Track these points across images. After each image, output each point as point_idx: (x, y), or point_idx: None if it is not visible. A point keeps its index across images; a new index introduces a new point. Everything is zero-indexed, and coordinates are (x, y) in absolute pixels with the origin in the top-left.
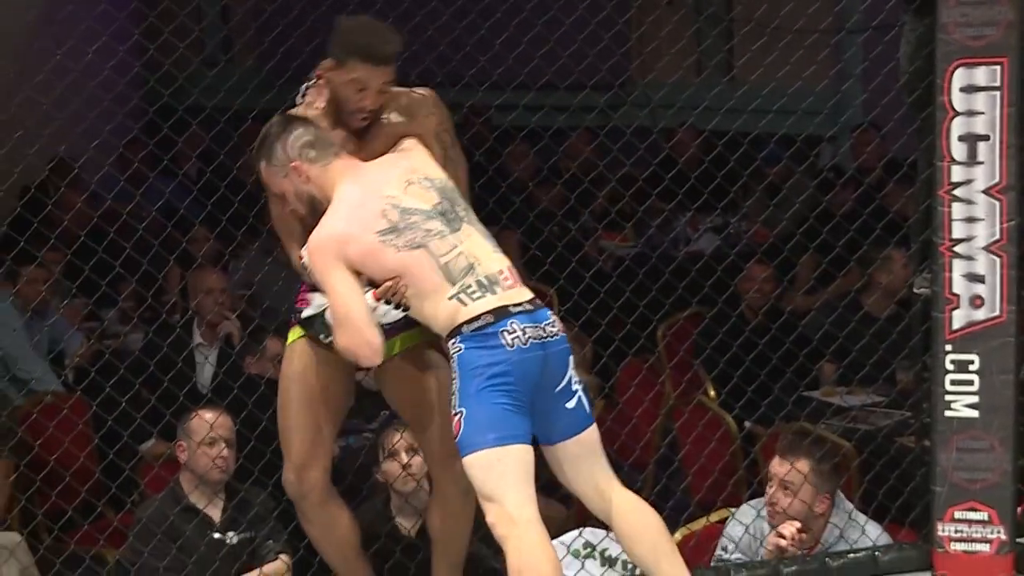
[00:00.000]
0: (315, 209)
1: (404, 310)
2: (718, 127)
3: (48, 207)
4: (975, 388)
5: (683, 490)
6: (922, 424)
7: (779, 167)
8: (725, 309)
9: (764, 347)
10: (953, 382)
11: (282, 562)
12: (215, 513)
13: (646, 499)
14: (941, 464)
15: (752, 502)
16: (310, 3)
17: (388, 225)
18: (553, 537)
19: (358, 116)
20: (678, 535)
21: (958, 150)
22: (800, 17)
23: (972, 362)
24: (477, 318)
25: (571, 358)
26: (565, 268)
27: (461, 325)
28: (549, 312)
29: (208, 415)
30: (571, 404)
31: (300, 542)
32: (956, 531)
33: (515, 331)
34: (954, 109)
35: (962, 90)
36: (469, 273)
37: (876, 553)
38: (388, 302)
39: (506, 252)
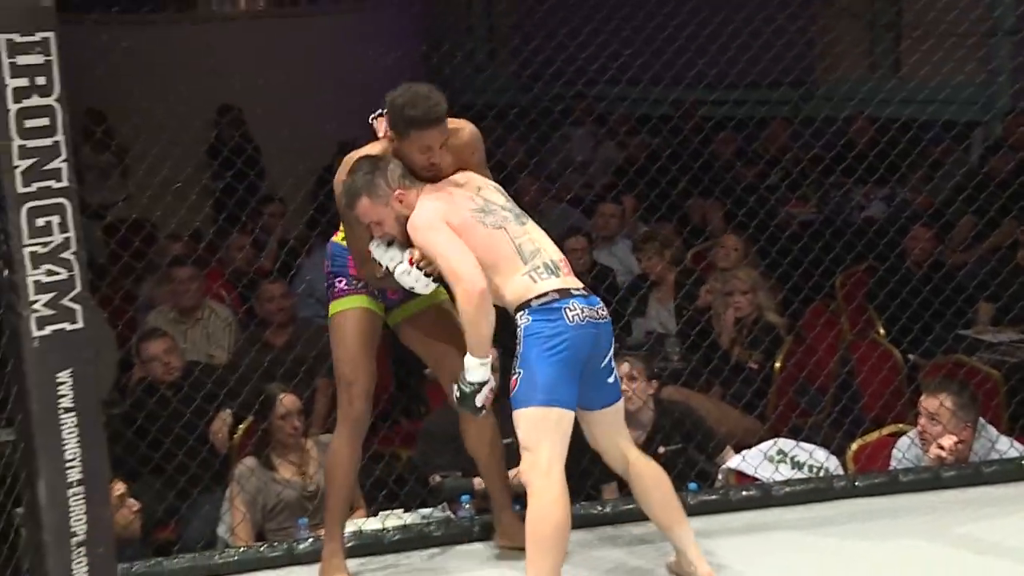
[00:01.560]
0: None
1: (433, 280)
2: (890, 115)
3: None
4: None
5: (859, 409)
6: None
7: (943, 146)
8: (894, 262)
9: (927, 293)
10: None
11: None
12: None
13: (827, 416)
14: None
15: (912, 431)
16: (561, 20)
17: (477, 206)
18: (750, 447)
19: (430, 172)
20: (855, 445)
21: None
22: (959, 22)
23: None
24: (545, 294)
25: (612, 340)
26: (764, 231)
27: (531, 300)
28: (598, 299)
29: None
30: (611, 379)
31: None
32: None
33: (576, 309)
34: None
35: None
36: (537, 256)
37: (1021, 462)
38: (420, 269)
39: (712, 219)
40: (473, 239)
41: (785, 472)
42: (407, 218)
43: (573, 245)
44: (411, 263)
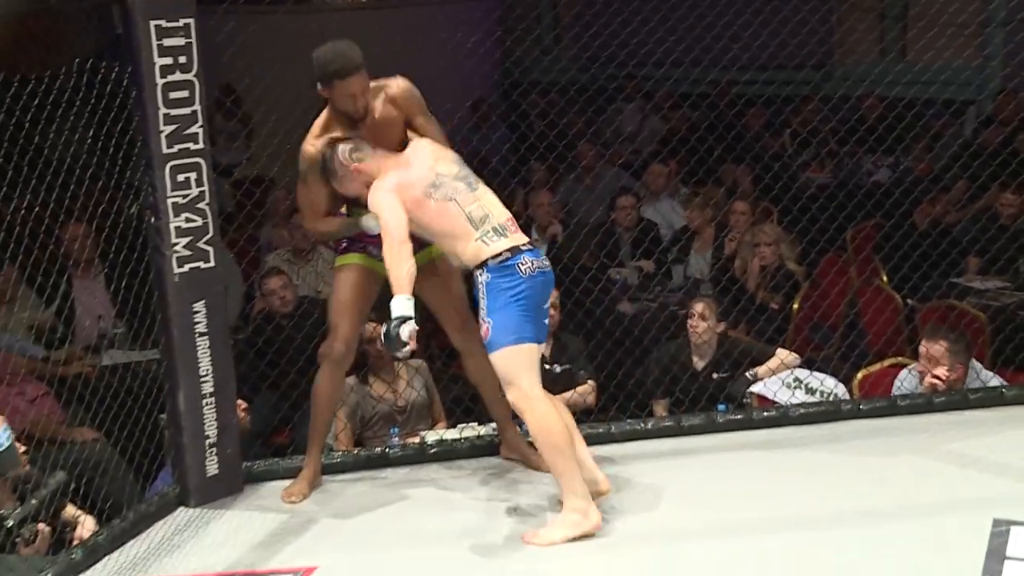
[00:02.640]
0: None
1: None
2: (898, 94)
3: None
4: None
5: (864, 345)
6: None
7: (942, 121)
8: (898, 220)
9: (925, 247)
10: None
11: (589, 385)
12: (546, 351)
13: (837, 349)
14: None
15: (911, 366)
16: (615, 11)
17: (428, 182)
18: (773, 374)
19: (361, 115)
20: (860, 374)
21: None
22: (959, 13)
23: None
24: (499, 254)
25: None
26: (787, 192)
27: (487, 260)
28: (540, 251)
29: None
30: (547, 320)
31: None
32: None
33: (527, 263)
34: None
35: None
36: (486, 221)
37: (1003, 390)
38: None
39: (742, 182)
40: (426, 213)
41: (800, 396)
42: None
43: (623, 203)
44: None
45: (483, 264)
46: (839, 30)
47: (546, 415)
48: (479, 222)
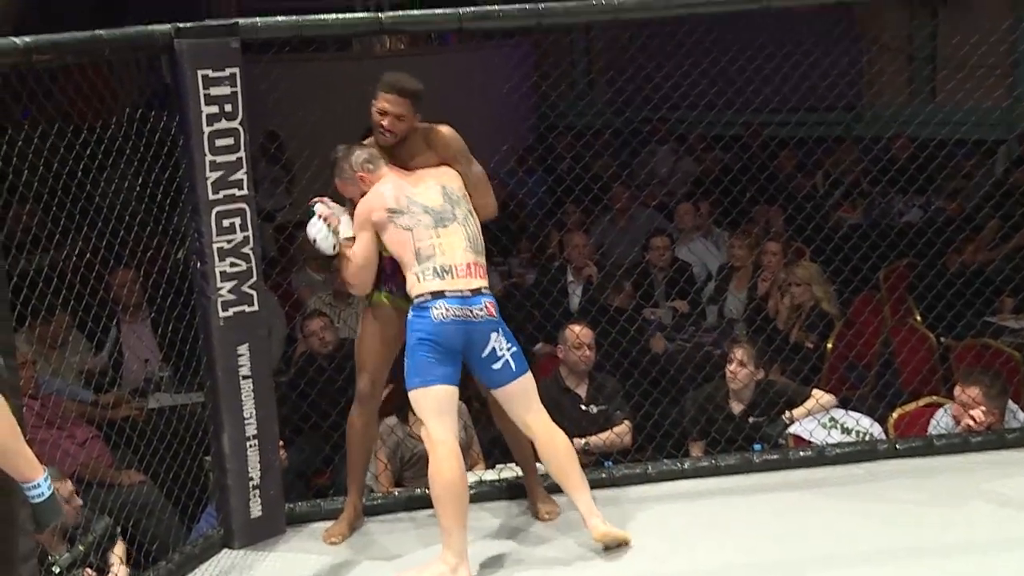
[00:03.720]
0: None
1: (331, 239)
2: (928, 135)
3: None
4: None
5: (899, 384)
6: None
7: (973, 161)
8: (931, 260)
9: (959, 286)
10: None
11: (626, 425)
12: (582, 392)
13: (872, 388)
14: None
15: (947, 406)
16: (648, 55)
17: (396, 207)
18: (809, 415)
19: (381, 133)
20: (895, 414)
21: None
22: (988, 55)
23: None
24: (421, 295)
25: (494, 335)
26: (820, 232)
27: (414, 296)
28: (483, 300)
29: (576, 328)
30: (497, 366)
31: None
32: None
33: (441, 308)
34: None
35: None
36: (431, 260)
37: None
38: (328, 225)
39: (772, 223)
40: (388, 236)
41: (836, 436)
42: None
43: (657, 243)
44: (319, 216)
45: (411, 300)
46: (869, 72)
47: (444, 463)
48: (423, 258)
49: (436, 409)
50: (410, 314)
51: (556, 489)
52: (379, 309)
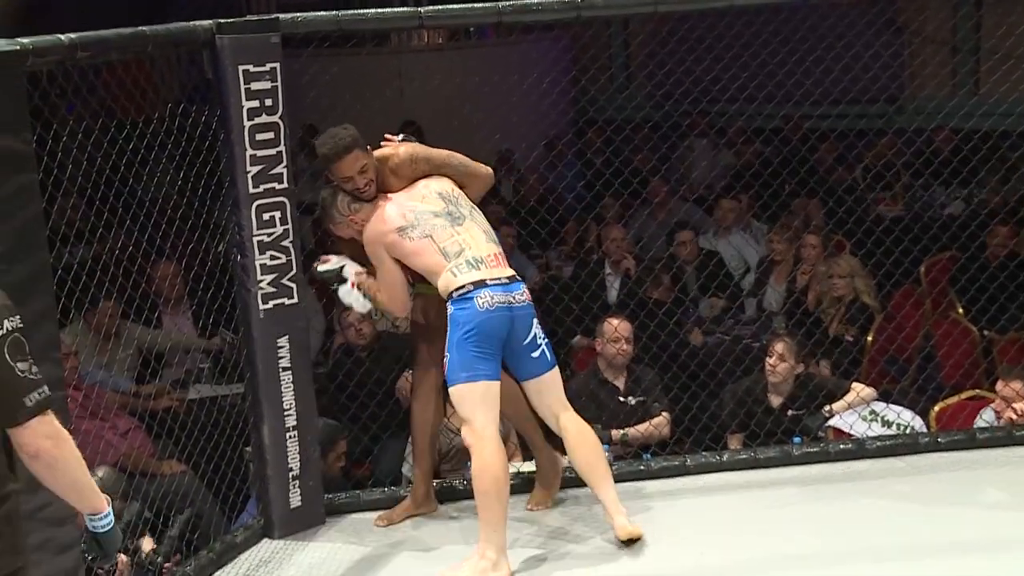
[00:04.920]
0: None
1: (366, 299)
2: (971, 127)
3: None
4: None
5: (940, 377)
6: None
7: (1018, 153)
8: (973, 252)
9: (1003, 278)
10: None
11: (664, 417)
12: (620, 383)
13: (912, 383)
14: None
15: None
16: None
17: (406, 223)
18: (849, 408)
19: (363, 192)
20: (937, 407)
21: None
22: None
23: None
24: (463, 287)
25: (535, 321)
26: (860, 225)
27: (452, 292)
28: (521, 286)
29: (614, 321)
30: (535, 354)
31: None
32: None
33: (486, 297)
34: None
35: None
36: (461, 255)
37: None
38: (360, 290)
39: (812, 217)
40: (405, 252)
41: (876, 429)
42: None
43: (682, 237)
44: (352, 286)
45: (450, 296)
46: (912, 64)
47: (490, 459)
48: (452, 255)
49: (482, 404)
50: (451, 308)
51: (579, 483)
52: (429, 295)
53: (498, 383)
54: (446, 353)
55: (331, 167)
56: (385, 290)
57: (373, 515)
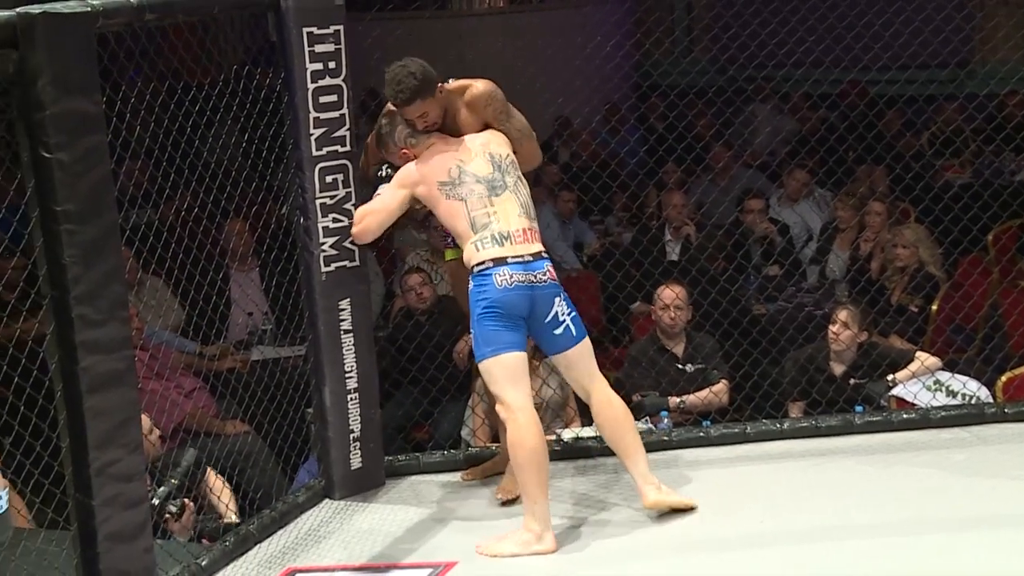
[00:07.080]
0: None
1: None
2: None
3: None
4: None
5: (1008, 347)
6: None
7: None
8: None
9: None
10: None
11: (724, 384)
12: (679, 351)
13: (979, 353)
14: None
15: None
16: (752, 11)
17: (448, 179)
18: (912, 377)
19: (426, 131)
20: (1004, 377)
21: None
22: None
23: None
24: (482, 263)
25: (558, 299)
26: (928, 192)
27: (474, 266)
28: (545, 264)
29: (668, 287)
30: (558, 331)
31: None
32: None
33: (504, 275)
34: None
35: None
36: (487, 228)
37: None
38: None
39: (876, 185)
40: (441, 209)
41: (941, 399)
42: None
43: (753, 206)
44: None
45: (471, 270)
46: (985, 26)
47: (524, 430)
48: (479, 227)
49: (511, 377)
50: (471, 283)
51: (608, 452)
52: (456, 263)
53: (523, 354)
54: (471, 330)
55: (402, 108)
56: (372, 210)
57: (431, 478)
